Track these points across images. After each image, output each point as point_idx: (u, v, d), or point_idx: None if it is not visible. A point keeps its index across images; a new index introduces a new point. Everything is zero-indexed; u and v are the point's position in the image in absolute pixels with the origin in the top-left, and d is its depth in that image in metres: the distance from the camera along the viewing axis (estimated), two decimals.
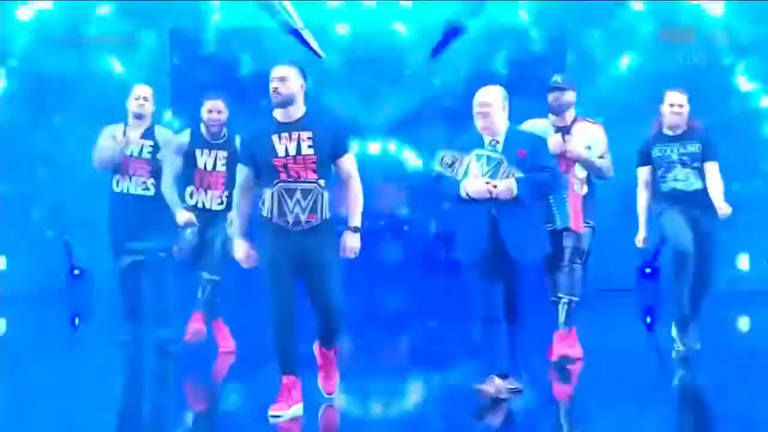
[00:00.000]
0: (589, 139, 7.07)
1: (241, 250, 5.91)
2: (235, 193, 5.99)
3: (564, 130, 7.10)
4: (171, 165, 7.60)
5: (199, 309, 7.52)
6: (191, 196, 7.56)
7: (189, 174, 7.55)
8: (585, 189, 7.11)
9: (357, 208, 5.96)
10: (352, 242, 5.91)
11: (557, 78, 7.15)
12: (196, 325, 7.48)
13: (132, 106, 7.92)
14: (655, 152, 7.55)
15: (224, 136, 7.55)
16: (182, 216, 7.49)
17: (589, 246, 7.23)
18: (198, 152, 7.52)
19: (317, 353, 6.12)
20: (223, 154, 7.50)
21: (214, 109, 7.48)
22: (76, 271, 11.20)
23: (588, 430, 5.86)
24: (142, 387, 7.20)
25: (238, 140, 7.21)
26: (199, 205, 7.55)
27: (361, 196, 5.98)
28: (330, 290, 5.88)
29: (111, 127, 7.97)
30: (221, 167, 7.51)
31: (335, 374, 6.18)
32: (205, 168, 7.53)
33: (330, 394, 6.17)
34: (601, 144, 7.12)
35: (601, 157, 7.10)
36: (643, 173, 7.64)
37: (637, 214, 7.66)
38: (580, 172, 7.01)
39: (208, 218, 7.55)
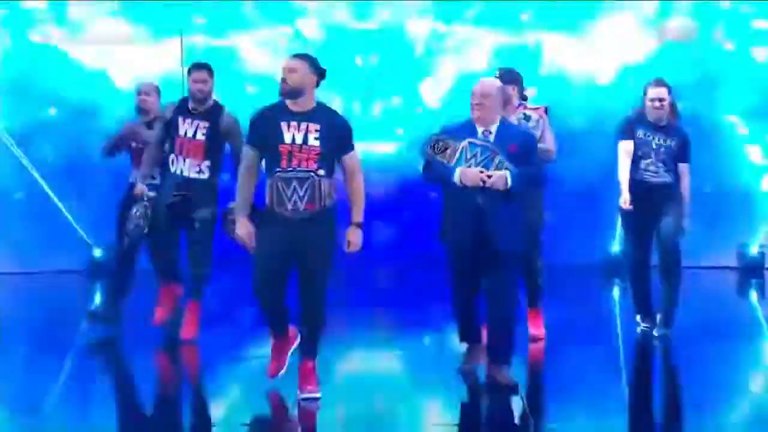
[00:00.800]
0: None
1: (242, 227, 5.98)
2: (240, 173, 6.07)
3: None
4: (156, 135, 7.71)
5: (196, 298, 7.67)
6: (172, 163, 7.58)
7: (172, 142, 7.59)
8: None
9: (360, 205, 6.00)
10: (354, 238, 5.97)
11: (496, 72, 7.23)
12: (192, 318, 7.63)
13: (135, 101, 8.32)
14: (639, 134, 7.67)
15: (209, 106, 7.58)
16: (138, 188, 7.67)
17: (542, 231, 7.38)
18: (180, 120, 7.55)
19: (299, 367, 6.11)
20: (204, 124, 7.52)
21: (198, 80, 7.55)
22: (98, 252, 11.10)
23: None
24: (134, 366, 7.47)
25: (225, 111, 7.54)
26: (177, 172, 7.56)
27: (363, 193, 6.02)
28: (319, 278, 5.94)
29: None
30: (201, 136, 7.52)
31: (315, 382, 6.09)
32: (185, 135, 7.53)
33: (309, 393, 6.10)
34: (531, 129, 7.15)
35: None
36: (627, 145, 7.69)
37: (620, 181, 7.70)
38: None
39: (189, 202, 7.55)
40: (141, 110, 8.26)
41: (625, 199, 7.64)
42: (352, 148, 6.04)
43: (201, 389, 6.93)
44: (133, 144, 8.30)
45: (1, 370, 7.19)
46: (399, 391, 6.60)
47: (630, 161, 7.68)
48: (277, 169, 5.88)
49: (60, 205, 11.31)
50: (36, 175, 11.28)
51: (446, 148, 6.16)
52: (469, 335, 6.59)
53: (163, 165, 7.72)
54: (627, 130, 7.75)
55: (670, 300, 7.73)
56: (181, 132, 7.56)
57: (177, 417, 6.27)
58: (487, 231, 6.20)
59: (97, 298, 9.85)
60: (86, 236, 11.24)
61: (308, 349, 6.06)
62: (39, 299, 10.32)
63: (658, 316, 7.78)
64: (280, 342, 6.21)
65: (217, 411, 6.33)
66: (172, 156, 7.60)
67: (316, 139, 5.88)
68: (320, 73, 5.97)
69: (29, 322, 9.09)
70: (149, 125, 8.15)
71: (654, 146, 7.65)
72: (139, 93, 8.30)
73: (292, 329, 6.24)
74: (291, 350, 6.22)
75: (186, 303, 7.74)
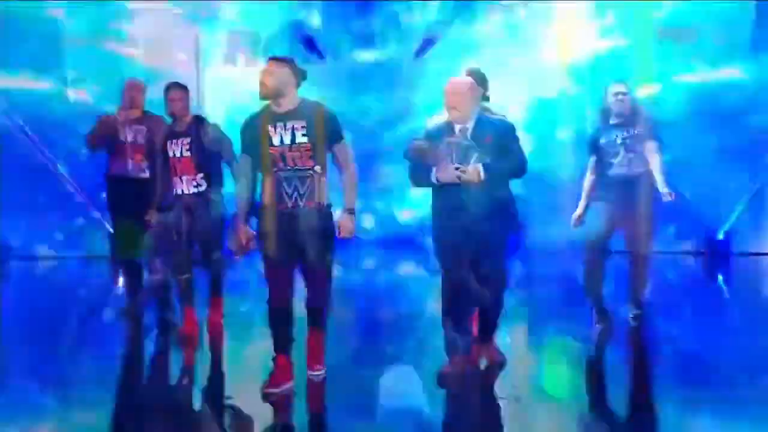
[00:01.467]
0: None
1: (242, 234, 6.09)
2: (238, 180, 6.22)
3: None
4: (155, 164, 7.88)
5: (218, 296, 7.97)
6: (176, 186, 7.72)
7: (170, 166, 7.74)
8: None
9: (352, 192, 6.08)
10: (347, 224, 6.05)
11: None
12: (192, 321, 7.80)
13: (126, 96, 8.35)
14: (602, 142, 7.90)
15: (189, 122, 7.72)
16: (149, 215, 7.82)
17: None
18: (169, 143, 7.72)
19: (308, 337, 6.21)
20: (186, 140, 7.67)
21: (175, 98, 7.72)
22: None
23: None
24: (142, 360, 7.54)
25: (206, 123, 7.68)
26: (179, 192, 7.71)
27: (357, 180, 6.09)
28: (320, 266, 6.05)
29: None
30: (186, 153, 7.65)
31: (322, 360, 6.25)
32: (174, 155, 7.71)
33: (316, 371, 6.25)
34: None
35: None
36: (592, 161, 8.01)
37: (581, 196, 7.99)
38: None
39: (193, 211, 7.70)
40: (131, 106, 8.25)
41: (576, 215, 7.95)
42: (341, 138, 6.08)
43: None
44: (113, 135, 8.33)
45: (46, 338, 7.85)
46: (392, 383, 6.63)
47: (594, 176, 7.98)
48: (275, 169, 5.96)
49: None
50: (60, 169, 12.33)
51: (427, 151, 6.24)
52: (456, 349, 6.45)
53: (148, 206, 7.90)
54: (591, 145, 8.03)
55: (640, 284, 7.94)
56: (171, 153, 7.72)
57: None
58: (471, 224, 6.24)
59: (120, 281, 10.53)
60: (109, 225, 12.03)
61: (316, 322, 6.18)
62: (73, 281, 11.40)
63: (630, 298, 7.99)
64: (284, 360, 6.10)
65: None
66: (174, 179, 7.73)
67: (303, 135, 5.95)
68: (299, 74, 6.05)
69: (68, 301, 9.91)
70: (137, 121, 8.27)
71: (619, 142, 7.81)
72: (131, 89, 8.31)
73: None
74: (290, 384, 6.12)
75: (209, 299, 7.99)
